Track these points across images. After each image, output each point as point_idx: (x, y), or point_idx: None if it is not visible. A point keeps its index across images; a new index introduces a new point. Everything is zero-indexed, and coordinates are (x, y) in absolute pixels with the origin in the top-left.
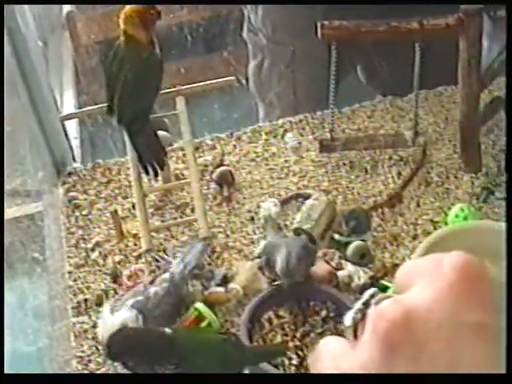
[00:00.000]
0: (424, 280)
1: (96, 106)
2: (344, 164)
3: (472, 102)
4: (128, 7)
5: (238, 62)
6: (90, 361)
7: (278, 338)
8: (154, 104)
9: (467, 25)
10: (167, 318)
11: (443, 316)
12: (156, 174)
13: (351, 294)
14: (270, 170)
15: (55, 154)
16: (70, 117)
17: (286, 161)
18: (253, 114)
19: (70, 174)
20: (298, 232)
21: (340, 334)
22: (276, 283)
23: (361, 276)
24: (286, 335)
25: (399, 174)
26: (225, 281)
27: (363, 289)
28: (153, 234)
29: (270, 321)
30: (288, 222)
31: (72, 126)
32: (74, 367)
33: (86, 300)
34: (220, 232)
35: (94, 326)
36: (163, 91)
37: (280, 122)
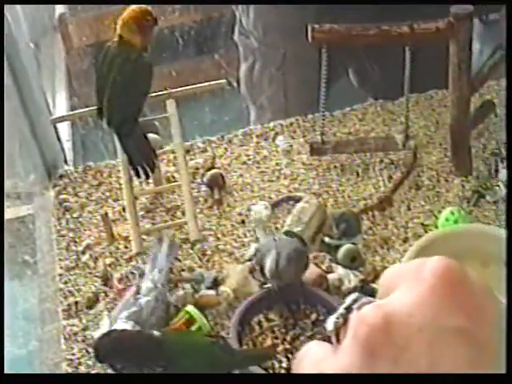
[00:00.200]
0: (406, 284)
1: (87, 109)
2: (335, 167)
3: (462, 105)
4: (126, 13)
5: (229, 65)
6: (80, 363)
7: (268, 341)
8: (143, 106)
9: (457, 29)
10: (163, 324)
11: (424, 320)
12: (147, 177)
13: (341, 298)
14: (260, 172)
15: (46, 157)
16: (61, 119)
17: (276, 164)
18: (244, 116)
19: (61, 176)
20: (288, 234)
21: (330, 337)
22: (266, 286)
23: (351, 279)
24: (276, 338)
25: (390, 177)
26: (215, 284)
27: (354, 292)
28: (143, 236)
29: (260, 324)
30: (279, 225)
31: (64, 129)
32: (64, 370)
33: (76, 303)
34: (211, 235)
35: (85, 329)
36: (154, 94)
37: (271, 124)
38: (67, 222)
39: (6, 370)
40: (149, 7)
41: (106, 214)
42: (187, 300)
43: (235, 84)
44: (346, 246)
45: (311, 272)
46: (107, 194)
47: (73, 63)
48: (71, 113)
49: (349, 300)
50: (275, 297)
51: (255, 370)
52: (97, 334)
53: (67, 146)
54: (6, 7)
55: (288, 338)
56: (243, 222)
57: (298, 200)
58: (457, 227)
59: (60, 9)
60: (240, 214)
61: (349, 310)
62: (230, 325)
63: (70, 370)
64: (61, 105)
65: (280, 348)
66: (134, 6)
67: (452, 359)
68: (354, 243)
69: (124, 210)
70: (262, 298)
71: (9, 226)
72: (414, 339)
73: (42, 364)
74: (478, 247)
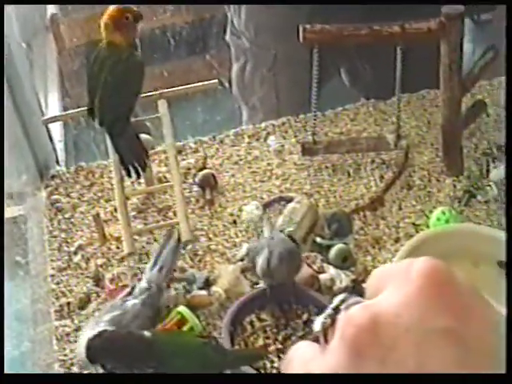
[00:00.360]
0: (393, 285)
1: (79, 109)
2: (326, 167)
3: (454, 105)
4: (105, 14)
5: (221, 66)
6: (72, 364)
7: (260, 341)
8: (134, 105)
9: (449, 29)
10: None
11: (411, 321)
12: (138, 176)
13: (333, 298)
14: (252, 173)
15: (38, 157)
16: (52, 120)
17: (268, 164)
18: (236, 117)
19: (52, 177)
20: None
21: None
22: (258, 286)
23: (343, 279)
24: (268, 338)
25: (381, 177)
26: (207, 284)
27: (345, 292)
28: (135, 237)
29: (252, 324)
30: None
31: (56, 129)
32: (57, 371)
33: (68, 303)
34: (202, 235)
35: (77, 330)
36: (146, 94)
37: (263, 125)
38: (59, 223)
39: None
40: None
41: (98, 214)
42: (179, 300)
43: (227, 84)
44: (337, 246)
45: (303, 272)
46: (99, 194)
47: (65, 63)
48: (63, 113)
49: (336, 300)
50: (267, 297)
51: (247, 370)
52: (80, 338)
53: (59, 146)
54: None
55: (280, 337)
56: (235, 222)
57: (289, 200)
58: (448, 227)
59: (52, 9)
60: (232, 215)
61: (336, 310)
62: (221, 325)
63: (62, 371)
64: (53, 105)
65: (272, 348)
66: (112, 7)
67: (439, 359)
68: (345, 243)
69: (116, 210)
70: (254, 297)
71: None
72: (402, 340)
73: (34, 365)
74: (469, 247)
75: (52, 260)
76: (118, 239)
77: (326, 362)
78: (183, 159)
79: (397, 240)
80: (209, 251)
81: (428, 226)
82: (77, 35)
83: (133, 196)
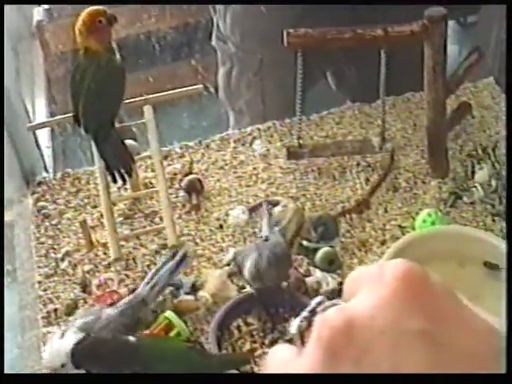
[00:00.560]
0: (368, 288)
1: (64, 116)
2: (312, 171)
3: (438, 107)
4: (77, 21)
5: (206, 71)
6: None
7: (247, 346)
8: (118, 110)
9: (432, 31)
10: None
11: (386, 323)
12: (124, 181)
13: None
14: (238, 177)
15: (24, 164)
16: (37, 127)
17: (254, 168)
18: (222, 121)
19: (39, 183)
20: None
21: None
22: (245, 290)
23: (329, 282)
24: (255, 342)
25: (367, 180)
26: (194, 289)
27: (332, 294)
28: (122, 242)
29: (239, 328)
30: (256, 230)
31: (44, 136)
32: None
33: (55, 310)
34: (189, 240)
35: None
36: (131, 100)
37: (248, 129)
38: (46, 229)
39: None
40: (100, 7)
41: (85, 220)
42: (166, 305)
43: (212, 89)
44: (323, 249)
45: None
46: (86, 200)
47: (51, 69)
48: (48, 120)
49: (313, 303)
50: (254, 301)
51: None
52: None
53: (47, 152)
54: None
55: (266, 341)
56: (221, 226)
57: (275, 204)
58: (434, 229)
59: (38, 16)
60: (218, 219)
61: (313, 312)
62: (209, 330)
63: None
64: (40, 111)
65: (258, 352)
66: (84, 11)
67: (414, 361)
68: (331, 246)
69: (102, 216)
70: (241, 302)
71: None
72: (376, 342)
73: (22, 371)
74: (455, 248)
75: (39, 266)
76: (104, 245)
77: (301, 363)
78: (169, 164)
79: (383, 242)
80: (195, 256)
81: (414, 228)
82: (63, 41)
83: (119, 202)
